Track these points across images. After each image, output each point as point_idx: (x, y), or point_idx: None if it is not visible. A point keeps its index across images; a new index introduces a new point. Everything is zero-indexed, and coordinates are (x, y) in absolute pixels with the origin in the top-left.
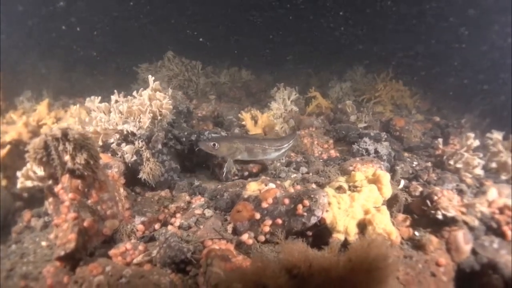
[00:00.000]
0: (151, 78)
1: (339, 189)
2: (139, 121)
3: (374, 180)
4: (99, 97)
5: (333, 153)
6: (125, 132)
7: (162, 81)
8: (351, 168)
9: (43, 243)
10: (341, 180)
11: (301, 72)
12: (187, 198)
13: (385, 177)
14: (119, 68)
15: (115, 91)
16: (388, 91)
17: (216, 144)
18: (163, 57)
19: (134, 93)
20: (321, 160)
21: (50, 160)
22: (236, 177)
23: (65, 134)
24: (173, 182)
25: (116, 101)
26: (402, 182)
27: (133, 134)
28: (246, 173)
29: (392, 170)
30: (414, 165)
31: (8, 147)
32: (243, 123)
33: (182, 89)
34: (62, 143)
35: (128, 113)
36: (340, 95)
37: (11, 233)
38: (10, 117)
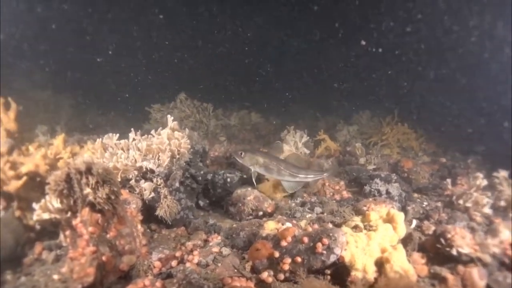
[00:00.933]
0: (170, 118)
1: (356, 228)
2: (158, 159)
3: (389, 220)
4: (117, 134)
5: (345, 194)
6: (144, 169)
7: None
8: (365, 208)
9: (55, 277)
10: (356, 220)
11: (308, 115)
12: (204, 236)
13: (399, 216)
14: (131, 107)
15: (132, 129)
16: (395, 134)
17: (243, 153)
18: (175, 98)
19: (153, 131)
20: (334, 201)
21: (71, 193)
22: (250, 217)
23: (89, 168)
24: (188, 220)
25: (134, 139)
26: (414, 222)
27: (152, 171)
28: (260, 213)
29: (403, 211)
30: (424, 205)
31: (24, 178)
32: None
33: (192, 130)
34: (85, 176)
35: (147, 151)
36: (347, 138)
37: (22, 265)
38: (27, 148)
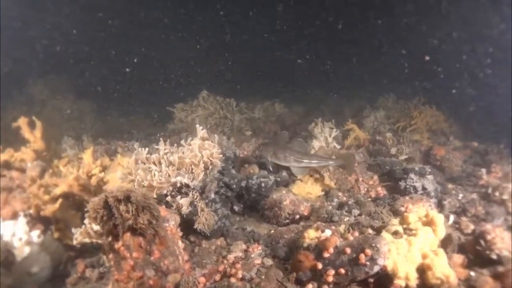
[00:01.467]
0: (199, 128)
1: (396, 234)
2: (192, 172)
3: (428, 222)
4: (146, 149)
5: (380, 190)
6: (178, 184)
7: (198, 121)
8: (402, 209)
9: None
10: (395, 223)
11: (332, 100)
12: (243, 246)
13: (439, 218)
14: (153, 106)
15: (161, 139)
16: (423, 117)
17: (260, 147)
18: (198, 96)
19: (182, 141)
20: (369, 199)
21: (111, 218)
22: (287, 220)
23: (127, 197)
24: (225, 228)
25: (166, 152)
26: (452, 218)
27: (187, 186)
28: (297, 216)
29: (439, 205)
30: (460, 197)
31: (59, 201)
32: None
33: (218, 127)
34: (124, 204)
35: (180, 164)
36: (375, 125)
37: (66, 285)
38: (56, 166)
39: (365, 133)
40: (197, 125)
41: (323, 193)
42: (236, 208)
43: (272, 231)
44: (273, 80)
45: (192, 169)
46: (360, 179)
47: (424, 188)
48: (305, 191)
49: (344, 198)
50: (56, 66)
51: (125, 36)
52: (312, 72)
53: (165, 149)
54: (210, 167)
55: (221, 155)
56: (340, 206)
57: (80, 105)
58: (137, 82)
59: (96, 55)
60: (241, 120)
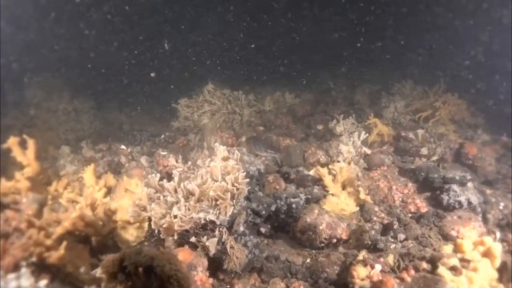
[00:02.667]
0: (220, 148)
1: (455, 270)
2: (217, 205)
3: (486, 253)
4: (158, 175)
5: (419, 203)
6: (203, 221)
7: (205, 117)
8: (453, 233)
9: None
10: (448, 251)
11: (340, 83)
12: (282, 284)
13: (497, 249)
14: (155, 101)
15: (174, 158)
16: (447, 107)
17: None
18: (202, 90)
19: (199, 161)
20: (409, 214)
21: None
22: (322, 244)
23: (150, 268)
24: (256, 258)
25: (180, 172)
26: (498, 234)
27: (213, 222)
28: (334, 240)
29: (484, 219)
30: (501, 207)
31: (64, 244)
32: (318, 174)
33: (226, 123)
34: (145, 274)
35: (201, 195)
36: (395, 116)
37: None
38: (55, 190)
39: (388, 128)
40: (217, 144)
41: (358, 208)
42: (262, 229)
43: (309, 261)
44: (278, 67)
45: (216, 201)
46: (394, 187)
47: (469, 203)
48: (338, 207)
49: (382, 215)
50: (50, 64)
51: (124, 28)
52: (318, 55)
53: (178, 167)
54: (236, 194)
55: (247, 179)
56: (385, 230)
57: (77, 103)
58: (137, 75)
59: (93, 49)
60: (251, 113)
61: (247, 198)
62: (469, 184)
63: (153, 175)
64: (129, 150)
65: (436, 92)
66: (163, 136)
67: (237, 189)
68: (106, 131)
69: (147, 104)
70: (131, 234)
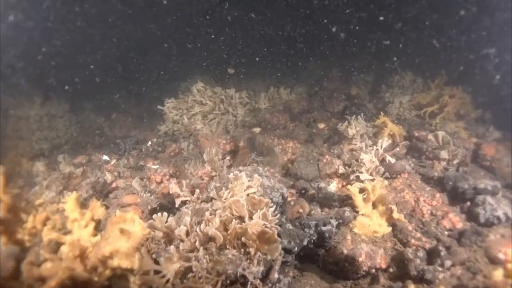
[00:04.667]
0: (240, 176)
1: None
2: (246, 253)
3: None
4: (165, 213)
5: (453, 218)
6: (232, 277)
7: (197, 120)
8: (501, 255)
9: None
10: (499, 276)
11: (332, 74)
12: None
13: None
14: (138, 100)
15: (176, 184)
16: (454, 102)
17: None
18: (191, 89)
19: (213, 193)
20: (446, 232)
21: None
22: (359, 275)
23: None
24: None
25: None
26: None
27: (244, 276)
28: (373, 270)
29: None
30: None
31: None
32: (345, 191)
33: (219, 125)
34: None
35: (226, 240)
36: (400, 111)
37: None
38: (33, 228)
39: (400, 127)
40: (239, 173)
41: (391, 228)
42: (288, 258)
43: None
44: (268, 60)
45: (246, 248)
46: (421, 199)
47: (507, 218)
48: (370, 230)
49: (418, 235)
50: (18, 65)
51: (100, 22)
52: (306, 45)
53: (184, 196)
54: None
55: (278, 215)
56: (431, 257)
57: (50, 108)
58: (117, 72)
59: (67, 45)
60: (245, 113)
61: (278, 235)
62: (498, 195)
63: (159, 214)
64: (113, 162)
65: (438, 85)
66: (150, 143)
67: (270, 228)
68: (85, 138)
69: (128, 104)
70: (133, 283)
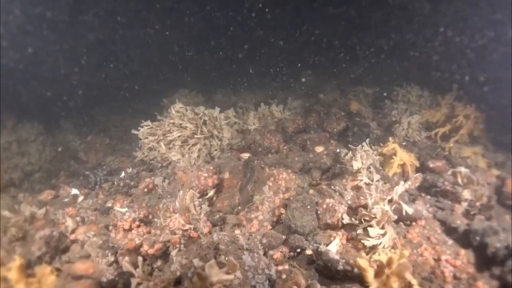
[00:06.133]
0: (213, 267)
1: None
2: None
3: None
4: None
5: (481, 286)
6: None
7: (176, 147)
8: None
9: None
10: None
11: (330, 87)
12: None
13: None
14: (114, 120)
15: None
16: (469, 124)
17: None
18: (169, 111)
19: None
20: None
21: None
22: None
23: None
24: None
25: None
26: None
27: None
28: None
29: None
30: None
31: None
32: (352, 256)
33: (201, 153)
34: None
35: None
36: (409, 133)
37: None
38: None
39: (411, 156)
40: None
41: None
42: None
43: None
44: (259, 72)
45: None
46: (443, 257)
47: None
48: None
49: None
50: None
51: (83, 30)
52: (300, 55)
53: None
54: None
55: None
56: None
57: (21, 131)
58: (92, 90)
59: (36, 62)
60: (232, 135)
61: None
62: None
63: None
64: (80, 199)
65: (448, 101)
66: (123, 174)
67: None
68: (59, 163)
69: (109, 122)
70: None
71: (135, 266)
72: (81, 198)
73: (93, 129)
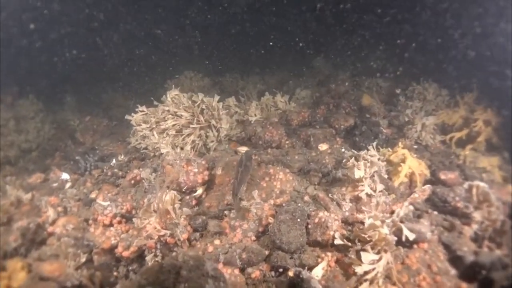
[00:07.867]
0: None
1: None
2: None
3: None
4: None
5: None
6: None
7: (168, 137)
8: None
9: None
10: None
11: (334, 76)
12: None
13: None
14: (114, 102)
15: None
16: (488, 130)
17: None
18: (164, 97)
19: None
20: None
21: None
22: None
23: None
24: None
25: None
26: None
27: None
28: None
29: None
30: None
31: None
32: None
33: (195, 144)
34: None
35: None
36: (422, 135)
37: None
38: None
39: (421, 164)
40: None
41: None
42: None
43: None
44: (263, 58)
45: None
46: None
47: None
48: None
49: None
50: None
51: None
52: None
53: None
54: None
55: None
56: None
57: (20, 108)
58: (94, 70)
59: (39, 41)
60: (232, 126)
61: None
62: None
63: None
64: (67, 186)
65: (467, 102)
66: (114, 162)
67: None
68: (57, 142)
69: (113, 101)
70: None
71: (108, 267)
72: (68, 185)
73: (94, 108)
